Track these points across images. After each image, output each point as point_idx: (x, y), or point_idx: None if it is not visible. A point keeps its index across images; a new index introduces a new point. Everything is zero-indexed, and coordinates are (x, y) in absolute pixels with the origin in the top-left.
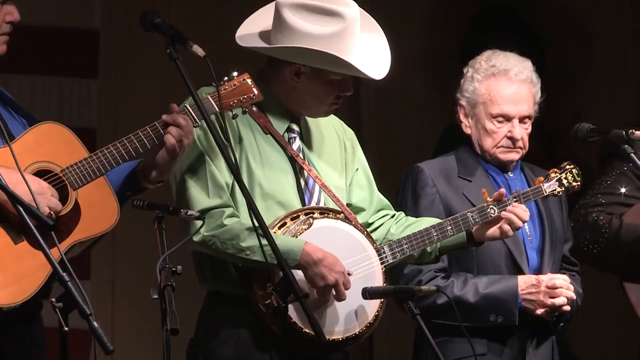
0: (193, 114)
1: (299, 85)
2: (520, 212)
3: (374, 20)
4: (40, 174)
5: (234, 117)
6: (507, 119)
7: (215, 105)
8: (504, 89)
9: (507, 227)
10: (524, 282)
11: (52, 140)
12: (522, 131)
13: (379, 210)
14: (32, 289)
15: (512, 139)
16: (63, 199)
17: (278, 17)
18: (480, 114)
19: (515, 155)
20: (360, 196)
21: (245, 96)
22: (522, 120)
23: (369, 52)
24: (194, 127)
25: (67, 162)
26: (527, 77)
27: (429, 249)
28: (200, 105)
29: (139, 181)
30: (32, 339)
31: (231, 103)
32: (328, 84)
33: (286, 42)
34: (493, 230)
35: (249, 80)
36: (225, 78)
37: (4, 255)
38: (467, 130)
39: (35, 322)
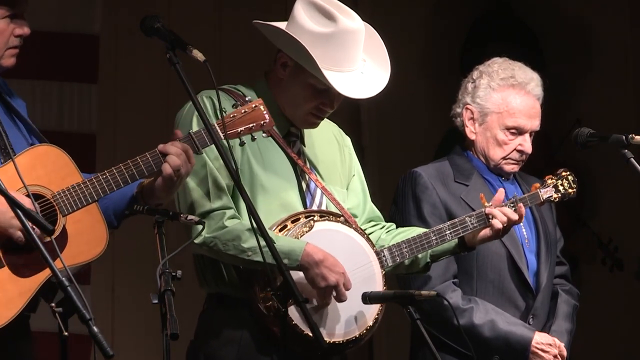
0: (197, 141)
1: (284, 79)
2: (510, 213)
3: (384, 48)
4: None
5: (241, 144)
6: (520, 132)
7: (220, 132)
8: (522, 102)
9: (496, 221)
10: (542, 337)
11: (47, 163)
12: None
13: (370, 220)
14: (8, 317)
15: (522, 153)
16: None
17: (293, 9)
18: (492, 123)
19: (517, 168)
20: (354, 202)
21: (255, 124)
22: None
23: (362, 75)
24: (196, 154)
25: (60, 186)
26: (539, 93)
27: (420, 256)
28: (200, 108)
29: (138, 202)
30: (20, 353)
31: (239, 130)
32: (307, 88)
33: (283, 27)
34: (484, 232)
35: (262, 107)
36: (237, 103)
37: None
38: (472, 136)
39: (25, 336)
